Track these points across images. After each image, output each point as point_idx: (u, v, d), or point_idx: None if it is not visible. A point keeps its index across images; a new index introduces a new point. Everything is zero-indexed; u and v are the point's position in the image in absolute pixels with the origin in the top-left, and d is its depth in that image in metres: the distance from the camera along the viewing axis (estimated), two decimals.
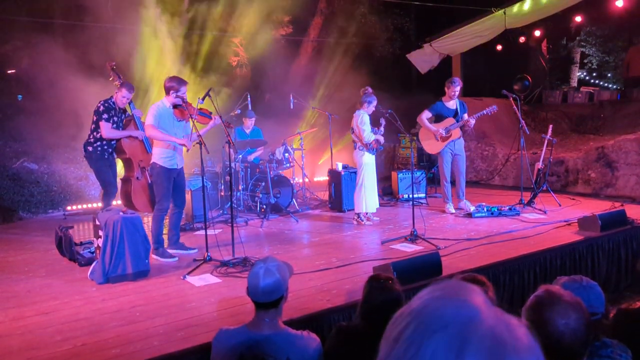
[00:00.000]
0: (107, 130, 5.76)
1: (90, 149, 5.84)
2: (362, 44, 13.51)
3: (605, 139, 9.07)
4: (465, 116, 7.12)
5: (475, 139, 9.95)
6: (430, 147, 7.26)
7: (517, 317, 0.75)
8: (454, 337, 0.67)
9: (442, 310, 0.71)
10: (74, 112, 8.14)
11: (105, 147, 5.86)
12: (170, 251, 5.48)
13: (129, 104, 6.05)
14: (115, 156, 6.11)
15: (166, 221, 5.69)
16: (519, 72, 12.62)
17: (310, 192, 8.98)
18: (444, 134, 7.03)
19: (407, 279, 4.09)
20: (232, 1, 10.93)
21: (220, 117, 5.46)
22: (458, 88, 7.06)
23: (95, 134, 5.80)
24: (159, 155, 5.33)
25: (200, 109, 5.52)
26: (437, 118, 7.14)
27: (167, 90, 5.28)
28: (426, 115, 7.14)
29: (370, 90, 6.71)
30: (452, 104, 7.16)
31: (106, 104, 5.77)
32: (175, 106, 5.33)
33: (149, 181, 5.99)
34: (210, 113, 5.57)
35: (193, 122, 5.15)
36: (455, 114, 7.11)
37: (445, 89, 7.17)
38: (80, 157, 8.73)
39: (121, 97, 5.87)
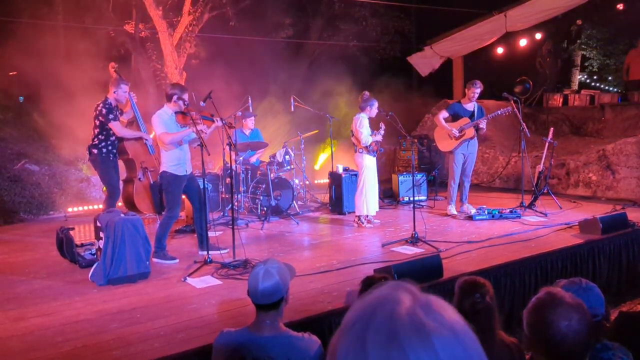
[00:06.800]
0: (119, 129, 5.72)
1: (95, 151, 5.77)
2: (362, 46, 13.52)
3: (606, 141, 9.06)
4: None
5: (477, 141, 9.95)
6: (444, 145, 7.31)
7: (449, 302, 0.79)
8: (379, 328, 0.72)
9: (365, 309, 0.76)
10: (74, 114, 8.14)
11: (110, 148, 5.81)
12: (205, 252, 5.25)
13: (132, 103, 6.04)
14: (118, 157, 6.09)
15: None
16: (519, 75, 12.61)
17: (310, 195, 8.98)
18: (457, 134, 7.06)
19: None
20: (233, 3, 10.94)
21: (222, 119, 5.47)
22: (478, 90, 7.09)
23: (100, 136, 5.75)
24: (168, 163, 5.30)
25: (202, 112, 5.54)
26: (454, 118, 7.19)
27: (170, 97, 5.32)
28: (443, 115, 7.19)
29: (367, 94, 6.75)
30: (470, 106, 7.20)
31: (106, 105, 5.72)
32: (177, 112, 5.35)
33: (151, 182, 5.99)
34: (212, 115, 5.59)
35: (196, 127, 5.14)
36: (471, 116, 7.14)
37: (466, 90, 7.26)
38: (82, 159, 8.75)
39: (122, 92, 5.83)
